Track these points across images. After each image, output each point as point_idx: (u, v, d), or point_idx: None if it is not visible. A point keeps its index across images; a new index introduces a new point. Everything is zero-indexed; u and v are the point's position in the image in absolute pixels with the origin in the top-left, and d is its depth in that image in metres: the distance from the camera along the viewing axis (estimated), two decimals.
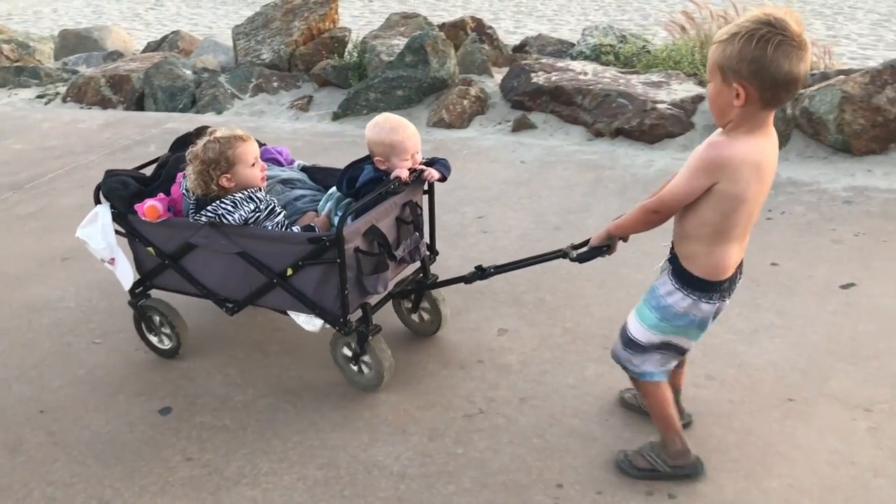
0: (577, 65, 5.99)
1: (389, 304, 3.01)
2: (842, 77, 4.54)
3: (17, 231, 4.34)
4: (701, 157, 1.99)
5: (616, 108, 5.17)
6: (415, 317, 3.15)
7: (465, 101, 5.66)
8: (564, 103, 5.40)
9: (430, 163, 2.90)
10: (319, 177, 3.16)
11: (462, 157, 5.01)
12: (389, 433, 2.62)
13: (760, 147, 1.96)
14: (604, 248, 2.34)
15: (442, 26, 7.43)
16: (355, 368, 2.83)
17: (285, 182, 3.07)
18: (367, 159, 2.84)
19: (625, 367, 2.38)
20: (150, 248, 2.86)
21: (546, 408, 2.70)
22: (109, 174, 2.99)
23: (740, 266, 2.20)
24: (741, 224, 2.04)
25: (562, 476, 2.40)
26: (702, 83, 5.57)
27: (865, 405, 2.63)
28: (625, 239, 2.34)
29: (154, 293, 3.06)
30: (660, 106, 5.08)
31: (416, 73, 5.85)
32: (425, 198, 2.98)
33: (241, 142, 2.71)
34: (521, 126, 5.39)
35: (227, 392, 2.87)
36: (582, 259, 2.38)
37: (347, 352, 2.81)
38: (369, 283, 2.66)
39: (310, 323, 2.70)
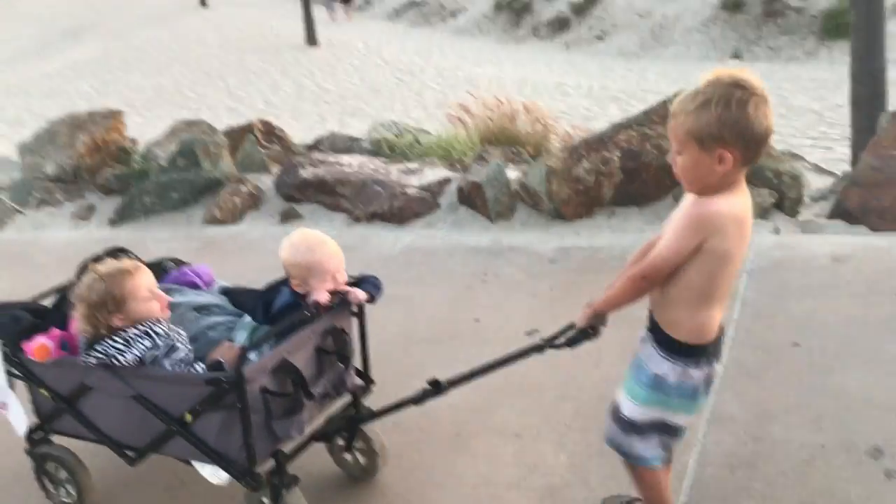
0: (348, 158, 6.48)
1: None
2: (547, 154, 5.21)
3: None
4: (689, 216, 1.97)
5: (372, 195, 5.66)
6: (347, 456, 2.83)
7: (237, 199, 6.02)
8: (328, 193, 5.85)
9: (358, 282, 2.66)
10: (242, 299, 2.86)
11: (230, 251, 5.33)
12: None
13: (740, 203, 1.97)
14: (590, 330, 2.21)
15: (231, 130, 7.84)
16: None
17: (200, 308, 2.79)
18: (286, 281, 2.59)
19: (622, 453, 2.27)
20: (43, 390, 2.61)
21: None
22: (0, 308, 2.75)
23: (722, 327, 2.16)
24: (725, 284, 2.03)
25: None
26: (453, 167, 6.17)
27: (517, 432, 3.07)
28: (603, 323, 2.21)
29: (56, 439, 2.77)
30: (409, 190, 5.61)
31: (189, 176, 6.18)
32: (355, 321, 2.71)
33: (129, 276, 2.46)
34: (288, 217, 5.79)
35: None
36: (571, 343, 2.23)
37: None
38: (280, 429, 2.35)
39: (215, 475, 2.37)
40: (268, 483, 2.36)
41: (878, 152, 4.95)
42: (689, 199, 2.02)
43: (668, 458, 2.31)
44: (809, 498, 2.53)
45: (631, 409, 2.19)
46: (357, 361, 2.74)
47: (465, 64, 23.08)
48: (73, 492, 2.76)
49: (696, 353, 2.09)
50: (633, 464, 2.26)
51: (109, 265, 2.50)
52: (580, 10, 27.84)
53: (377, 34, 30.55)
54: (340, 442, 2.77)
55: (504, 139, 7.35)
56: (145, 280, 2.49)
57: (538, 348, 2.27)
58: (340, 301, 2.54)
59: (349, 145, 7.92)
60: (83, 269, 2.68)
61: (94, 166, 7.05)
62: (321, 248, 2.51)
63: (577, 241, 4.86)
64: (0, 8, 59.52)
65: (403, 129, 8.08)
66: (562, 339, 2.25)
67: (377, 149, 7.37)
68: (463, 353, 3.68)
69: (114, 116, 7.46)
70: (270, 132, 7.89)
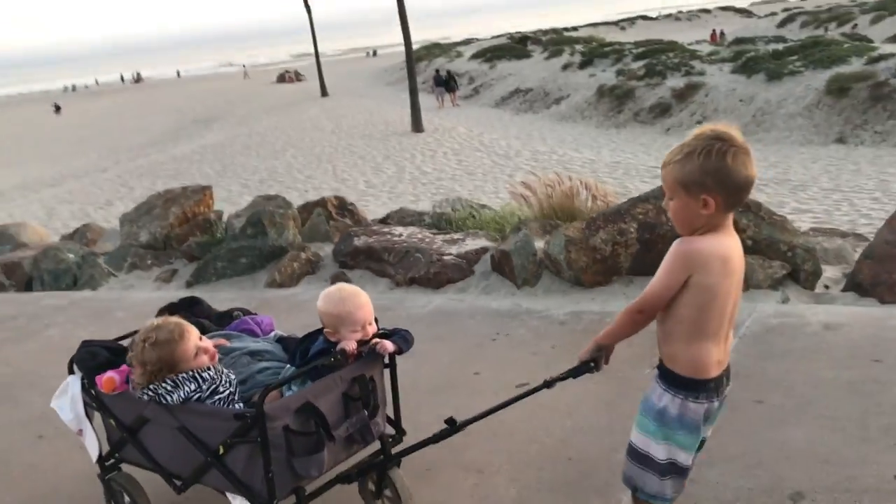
0: (400, 229, 7.00)
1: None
2: (566, 224, 5.55)
3: None
4: (675, 252, 2.14)
5: (412, 262, 6.12)
6: (378, 503, 2.97)
7: (296, 264, 6.60)
8: (375, 260, 6.35)
9: (389, 334, 2.80)
10: (292, 347, 3.08)
11: (281, 310, 5.86)
12: None
13: (726, 243, 2.14)
14: (591, 363, 2.37)
15: (307, 204, 8.56)
16: None
17: (253, 354, 3.05)
18: (321, 330, 2.78)
19: (634, 487, 2.36)
20: (112, 420, 2.88)
21: None
22: (84, 344, 3.02)
23: (728, 371, 2.29)
24: (715, 319, 2.16)
25: None
26: (494, 240, 6.57)
27: (480, 468, 3.35)
28: (606, 360, 2.39)
29: (125, 467, 3.07)
30: (445, 258, 6.04)
31: (257, 243, 6.83)
32: (387, 372, 2.87)
33: (176, 344, 2.71)
34: (337, 281, 6.31)
35: None
36: (574, 374, 2.39)
37: None
38: (300, 466, 2.52)
39: None
40: None
41: (893, 227, 5.03)
42: (678, 240, 2.19)
43: (673, 498, 2.35)
44: None
45: (640, 440, 2.29)
46: (390, 411, 2.91)
47: (562, 148, 23.65)
48: None
49: (694, 387, 2.21)
50: (647, 500, 2.33)
51: (160, 332, 2.72)
52: (682, 96, 28.05)
53: (482, 121, 31.70)
54: (372, 487, 2.92)
55: (563, 215, 7.71)
56: (192, 341, 2.74)
57: (547, 385, 2.46)
58: (369, 351, 2.69)
59: (414, 219, 8.48)
60: (161, 313, 3.10)
61: (182, 235, 7.85)
62: (352, 300, 2.69)
63: (591, 305, 5.13)
64: (146, 100, 65.25)
65: (466, 205, 8.57)
66: (565, 373, 2.40)
67: (436, 222, 7.88)
68: (455, 401, 4.01)
69: (203, 191, 8.31)
70: (343, 206, 8.57)
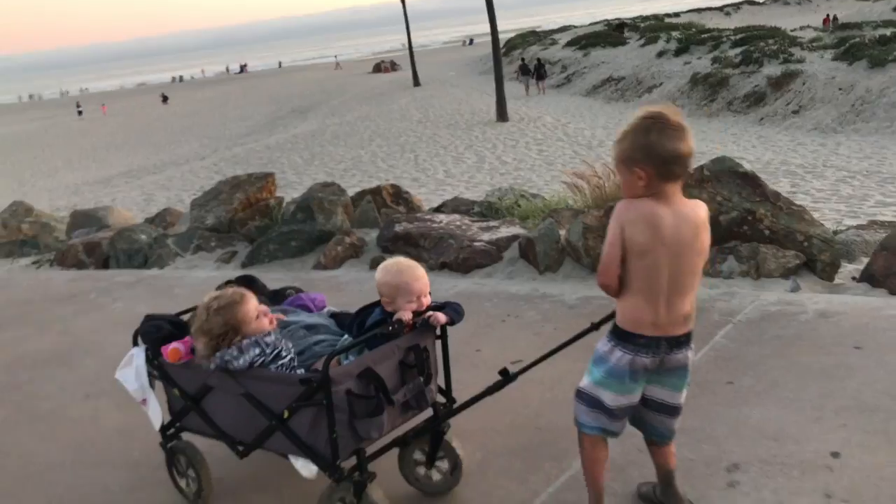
0: (442, 217, 7.28)
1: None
2: (584, 212, 5.70)
3: None
4: (613, 213, 2.43)
5: (445, 247, 6.40)
6: (422, 471, 3.07)
7: (340, 248, 6.98)
8: (412, 245, 6.66)
9: (440, 306, 2.90)
10: (345, 321, 3.24)
11: (322, 290, 6.23)
12: None
13: (657, 210, 2.36)
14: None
15: (364, 192, 8.93)
16: None
17: (309, 328, 3.19)
18: (378, 303, 2.91)
19: (575, 420, 2.66)
20: (175, 390, 3.02)
21: None
22: (148, 318, 3.17)
23: (673, 340, 2.49)
24: (643, 279, 2.39)
25: None
26: (530, 228, 6.77)
27: (455, 434, 3.61)
28: (596, 326, 2.76)
29: (185, 436, 3.20)
30: (476, 244, 6.29)
31: (306, 227, 7.25)
32: (439, 343, 2.99)
33: (239, 306, 2.84)
34: (375, 264, 6.65)
35: None
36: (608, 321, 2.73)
37: None
38: (362, 428, 2.63)
39: (306, 468, 2.70)
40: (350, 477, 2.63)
41: None
42: None
43: (604, 433, 2.61)
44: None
45: (583, 382, 2.61)
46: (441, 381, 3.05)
47: None
48: (193, 484, 3.16)
49: (625, 337, 2.48)
50: (577, 428, 2.64)
51: (221, 299, 2.87)
52: (778, 85, 27.23)
53: (570, 110, 31.60)
54: (419, 457, 3.03)
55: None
56: (252, 303, 2.89)
57: (588, 331, 2.86)
58: (423, 322, 2.80)
59: (467, 207, 8.75)
60: (220, 288, 3.18)
61: (244, 219, 8.35)
62: (410, 272, 2.83)
63: (602, 291, 5.28)
64: (248, 90, 67.56)
65: (517, 194, 8.78)
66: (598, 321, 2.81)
67: (484, 210, 8.12)
68: (454, 375, 4.27)
69: (266, 178, 8.80)
70: (398, 194, 8.90)
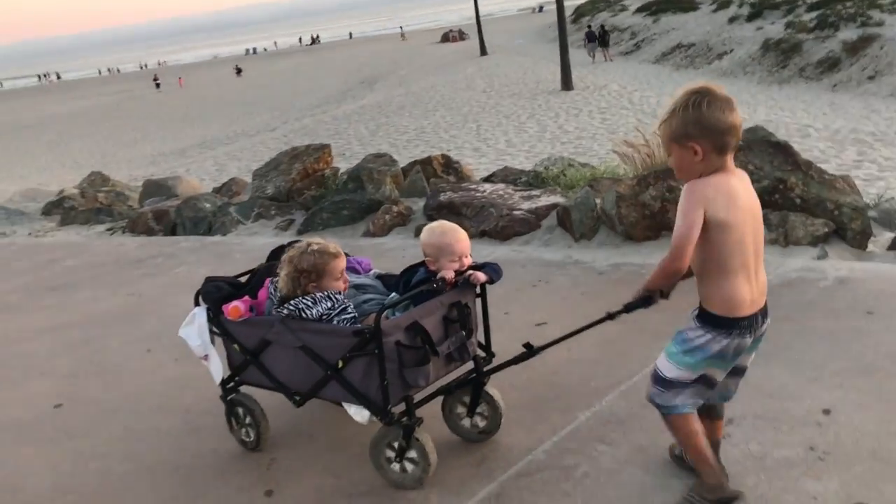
0: (487, 186, 7.51)
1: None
2: (618, 180, 5.85)
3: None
4: (685, 192, 2.35)
5: (486, 216, 6.64)
6: (465, 422, 3.27)
7: (387, 216, 7.29)
8: (455, 213, 6.91)
9: (480, 266, 3.09)
10: (391, 282, 3.42)
11: (369, 255, 6.57)
12: None
13: (726, 181, 2.36)
14: (639, 302, 2.57)
15: (415, 162, 9.21)
16: (397, 468, 2.97)
17: (358, 287, 3.38)
18: (423, 263, 3.12)
19: (656, 405, 2.61)
20: (235, 345, 3.22)
21: None
22: (208, 280, 3.39)
23: (764, 310, 2.48)
24: (737, 254, 2.35)
25: None
26: (566, 197, 6.95)
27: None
28: (665, 295, 2.55)
29: (243, 389, 3.42)
30: (515, 212, 6.51)
31: (356, 197, 7.58)
32: (479, 301, 3.18)
33: (333, 258, 3.07)
34: (419, 232, 6.92)
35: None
36: (627, 309, 2.61)
37: (390, 452, 2.96)
38: (410, 376, 2.82)
39: (359, 414, 2.91)
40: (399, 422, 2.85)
41: None
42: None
43: (702, 407, 2.61)
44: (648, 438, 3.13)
45: (665, 366, 2.53)
46: (480, 336, 3.23)
47: None
48: (252, 434, 3.40)
49: (726, 325, 2.41)
50: (665, 413, 2.60)
51: (323, 244, 3.10)
52: (853, 50, 26.30)
53: (638, 77, 31.15)
54: (461, 410, 3.24)
55: (664, 173, 7.92)
56: (342, 264, 3.13)
57: (610, 317, 2.69)
58: (464, 280, 3.01)
59: (514, 177, 8.95)
60: (273, 255, 3.48)
61: (302, 189, 8.73)
62: (452, 234, 3.02)
63: (633, 258, 5.45)
64: (319, 62, 68.37)
65: (565, 163, 8.92)
66: (622, 308, 2.64)
67: (531, 179, 8.31)
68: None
69: (323, 149, 9.15)
70: (448, 164, 9.16)
